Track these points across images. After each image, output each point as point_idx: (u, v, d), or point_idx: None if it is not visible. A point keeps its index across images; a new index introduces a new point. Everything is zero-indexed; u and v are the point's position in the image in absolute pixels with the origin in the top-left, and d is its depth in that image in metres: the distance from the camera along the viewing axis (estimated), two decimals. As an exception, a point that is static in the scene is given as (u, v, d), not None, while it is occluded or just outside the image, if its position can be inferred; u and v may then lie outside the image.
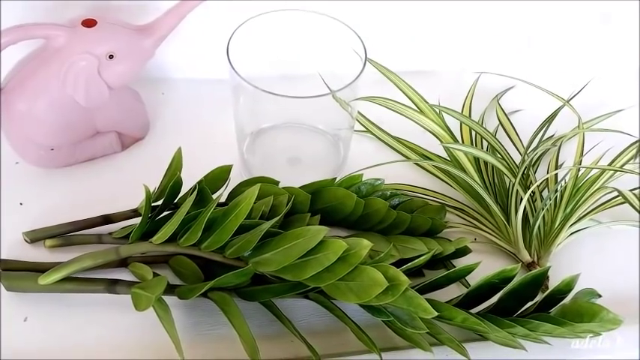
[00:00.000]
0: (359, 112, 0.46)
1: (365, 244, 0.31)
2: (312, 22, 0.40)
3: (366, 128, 0.45)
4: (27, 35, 0.37)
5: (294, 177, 0.45)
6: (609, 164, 0.41)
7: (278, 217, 0.33)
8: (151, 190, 0.37)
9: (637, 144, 0.41)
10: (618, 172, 0.41)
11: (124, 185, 0.43)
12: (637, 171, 0.39)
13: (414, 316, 0.32)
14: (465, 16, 0.52)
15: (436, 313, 0.30)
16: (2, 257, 0.37)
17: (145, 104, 0.46)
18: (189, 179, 0.38)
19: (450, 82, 0.53)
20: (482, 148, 0.46)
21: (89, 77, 0.38)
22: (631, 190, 0.36)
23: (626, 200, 0.35)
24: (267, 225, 0.33)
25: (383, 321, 0.33)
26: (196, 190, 0.35)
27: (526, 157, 0.41)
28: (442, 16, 0.52)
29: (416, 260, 0.35)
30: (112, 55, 0.38)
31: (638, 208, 0.35)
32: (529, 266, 0.40)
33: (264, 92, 0.36)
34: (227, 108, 0.49)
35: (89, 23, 0.38)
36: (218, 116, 0.49)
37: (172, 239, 0.35)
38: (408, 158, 0.44)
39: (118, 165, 0.44)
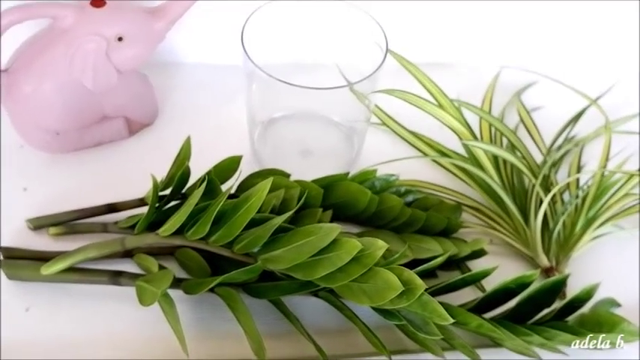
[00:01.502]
0: (375, 105, 0.44)
1: (380, 245, 0.29)
2: (330, 10, 0.39)
3: (382, 121, 0.44)
4: (33, 14, 0.35)
5: (305, 169, 0.43)
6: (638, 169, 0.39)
7: (290, 213, 0.32)
8: (159, 180, 0.36)
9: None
10: (644, 177, 0.40)
11: (131, 172, 0.42)
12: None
13: (428, 320, 0.31)
14: (487, 8, 0.50)
15: (452, 320, 0.29)
16: (4, 245, 0.36)
17: (154, 89, 0.45)
18: (198, 168, 0.37)
19: (470, 76, 0.51)
20: (502, 146, 0.44)
21: (97, 60, 0.37)
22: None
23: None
24: (278, 220, 0.32)
25: (395, 324, 0.32)
26: (205, 181, 0.33)
27: (548, 157, 0.40)
28: (465, 8, 0.50)
29: (431, 262, 0.34)
30: (121, 38, 0.37)
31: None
32: (547, 271, 0.38)
33: (278, 81, 0.34)
34: (239, 95, 0.48)
35: (98, 4, 0.36)
36: (229, 103, 0.48)
37: (179, 231, 0.33)
38: (425, 154, 0.43)
39: (126, 151, 0.43)
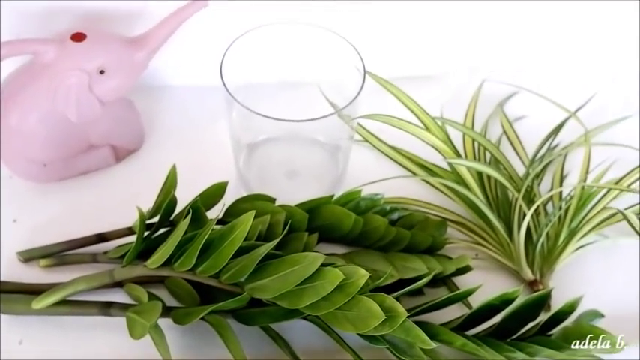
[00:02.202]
0: (358, 124, 0.45)
1: (362, 274, 0.30)
2: (310, 35, 0.39)
3: (366, 139, 0.44)
4: (15, 52, 0.35)
5: (292, 190, 0.44)
6: (616, 183, 0.39)
7: (274, 242, 0.33)
8: (145, 209, 0.37)
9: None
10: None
11: (119, 199, 0.42)
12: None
13: (412, 344, 0.31)
14: (467, 18, 0.50)
15: (434, 345, 0.29)
16: (-4, 278, 0.37)
17: (139, 114, 0.45)
18: (186, 191, 0.37)
19: (453, 87, 0.52)
20: (486, 160, 0.45)
21: (80, 93, 0.37)
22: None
23: (630, 224, 0.34)
24: (263, 250, 0.32)
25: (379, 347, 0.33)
26: (190, 213, 0.34)
27: (530, 170, 0.40)
28: (444, 19, 0.51)
29: (416, 283, 0.34)
30: (102, 70, 0.37)
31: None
32: (531, 284, 0.39)
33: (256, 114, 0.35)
34: (224, 117, 0.49)
35: (79, 37, 0.37)
36: (215, 125, 0.48)
37: (167, 262, 0.34)
38: (410, 171, 0.43)
39: (113, 178, 0.43)
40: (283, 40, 0.40)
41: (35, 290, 0.36)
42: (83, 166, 0.42)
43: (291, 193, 0.43)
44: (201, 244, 0.32)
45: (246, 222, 0.31)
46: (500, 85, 0.51)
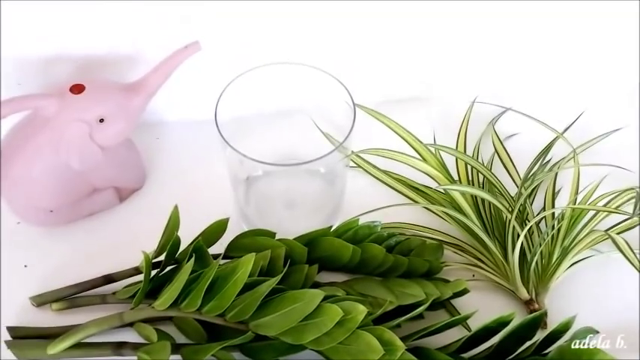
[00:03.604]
0: (352, 152, 0.46)
1: (360, 310, 0.31)
2: (298, 73, 0.40)
3: (361, 166, 0.45)
4: (17, 108, 0.37)
5: (291, 220, 0.46)
6: (605, 205, 0.40)
7: (275, 280, 0.34)
8: (149, 250, 0.38)
9: (635, 191, 0.40)
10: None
11: (125, 238, 0.44)
12: (633, 215, 0.39)
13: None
14: (454, 39, 0.52)
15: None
16: (10, 324, 0.38)
17: (139, 152, 0.46)
18: (188, 227, 0.38)
19: (443, 108, 0.53)
20: (479, 180, 0.46)
21: (81, 143, 0.38)
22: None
23: (616, 246, 0.35)
24: (265, 288, 0.34)
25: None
26: (193, 256, 0.35)
27: (523, 190, 0.41)
28: (432, 41, 0.52)
29: (415, 311, 0.35)
30: (102, 119, 0.38)
31: (630, 258, 0.35)
32: (527, 304, 0.40)
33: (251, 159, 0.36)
34: (219, 150, 0.50)
35: (77, 89, 0.38)
36: (213, 159, 0.49)
37: (174, 303, 0.35)
38: (409, 198, 0.44)
39: (118, 218, 0.45)
40: (274, 78, 0.41)
41: (49, 334, 0.38)
42: (88, 208, 0.43)
43: (291, 223, 0.44)
44: (205, 286, 0.33)
45: (248, 263, 0.33)
46: (490, 106, 0.52)
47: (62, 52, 0.44)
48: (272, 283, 0.34)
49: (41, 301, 0.39)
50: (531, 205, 0.44)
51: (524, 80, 0.54)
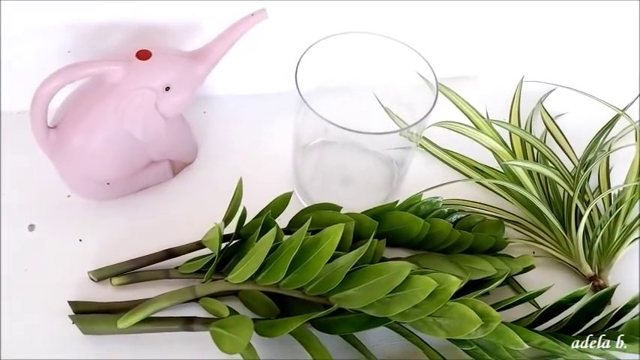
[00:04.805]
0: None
1: (453, 281, 0.31)
2: (368, 45, 0.39)
3: (421, 145, 0.45)
4: (84, 73, 0.35)
5: (347, 197, 0.45)
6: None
7: (360, 252, 0.33)
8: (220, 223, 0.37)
9: None
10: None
11: (179, 213, 0.43)
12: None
13: (497, 344, 0.32)
14: (502, 20, 0.51)
15: (527, 346, 0.30)
16: (71, 299, 0.37)
17: (190, 126, 0.45)
18: (244, 203, 0.38)
19: (488, 87, 0.53)
20: (535, 158, 0.46)
21: (147, 112, 0.37)
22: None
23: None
24: (345, 260, 0.33)
25: (464, 350, 0.34)
26: (276, 226, 0.34)
27: (582, 171, 0.41)
28: (477, 20, 0.51)
29: (492, 285, 0.35)
30: (168, 87, 0.37)
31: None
32: (591, 279, 0.40)
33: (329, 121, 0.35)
34: (269, 124, 0.49)
35: (144, 55, 0.36)
36: (262, 133, 0.48)
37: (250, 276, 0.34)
38: (467, 175, 0.44)
39: (171, 192, 0.44)
40: (339, 48, 0.40)
41: (112, 309, 0.37)
42: (143, 181, 0.42)
43: (347, 199, 0.44)
44: (291, 258, 0.32)
45: (335, 234, 0.32)
46: (536, 85, 0.52)
47: (115, 20, 0.42)
48: (356, 255, 0.33)
49: (101, 275, 0.38)
50: (587, 182, 0.44)
51: (569, 60, 0.54)
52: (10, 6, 0.40)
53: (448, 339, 0.33)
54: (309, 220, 0.33)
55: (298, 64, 0.37)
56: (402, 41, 0.38)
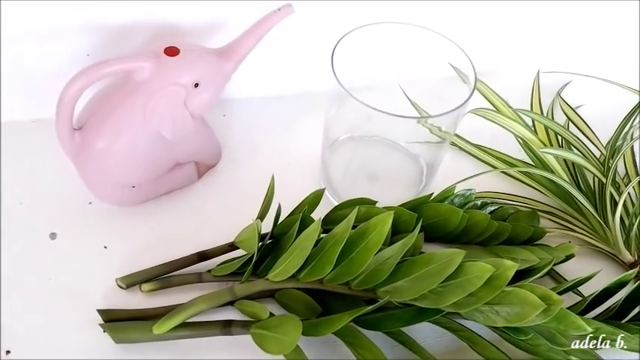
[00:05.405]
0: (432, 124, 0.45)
1: (509, 265, 0.30)
2: (401, 36, 0.39)
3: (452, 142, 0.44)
4: (111, 71, 0.34)
5: (376, 194, 0.44)
6: None
7: (408, 243, 0.32)
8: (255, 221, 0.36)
9: None
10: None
11: (206, 216, 0.41)
12: None
13: (554, 332, 0.31)
14: (507, 14, 0.52)
15: (591, 330, 0.29)
16: (100, 307, 0.35)
17: (212, 129, 0.44)
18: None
19: (507, 81, 0.53)
20: (560, 147, 0.45)
21: (176, 109, 0.36)
22: None
23: None
24: (391, 253, 0.32)
25: (519, 339, 0.33)
26: (320, 221, 0.33)
27: (611, 160, 0.41)
28: (489, 16, 0.52)
29: (540, 273, 0.34)
30: (197, 84, 0.36)
31: None
32: (631, 266, 0.40)
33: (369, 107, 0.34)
34: (291, 125, 0.48)
35: (172, 52, 0.35)
36: (283, 134, 0.48)
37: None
38: (489, 165, 0.43)
39: (196, 195, 0.42)
40: (367, 40, 0.39)
41: (144, 316, 0.35)
42: (169, 184, 0.41)
43: (376, 197, 0.43)
44: (338, 252, 0.31)
45: (383, 224, 0.31)
46: (550, 77, 0.52)
47: (134, 21, 0.41)
48: (403, 246, 0.32)
49: (130, 282, 0.36)
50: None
51: (581, 53, 0.54)
52: (16, 12, 0.39)
53: (500, 332, 0.32)
54: (356, 209, 0.32)
55: (332, 56, 0.36)
56: (438, 32, 0.38)
